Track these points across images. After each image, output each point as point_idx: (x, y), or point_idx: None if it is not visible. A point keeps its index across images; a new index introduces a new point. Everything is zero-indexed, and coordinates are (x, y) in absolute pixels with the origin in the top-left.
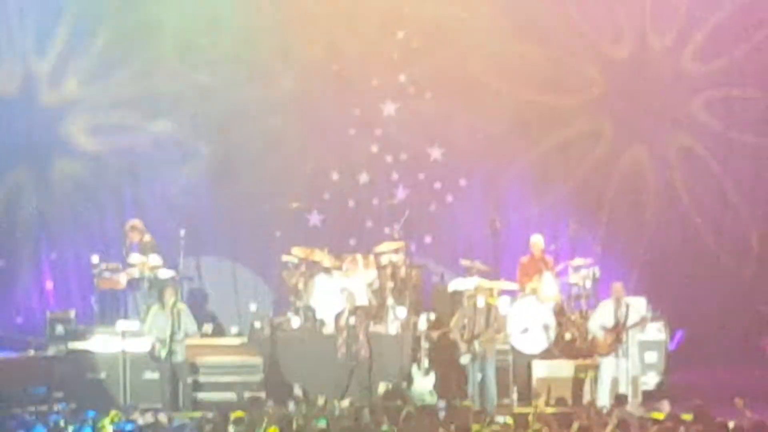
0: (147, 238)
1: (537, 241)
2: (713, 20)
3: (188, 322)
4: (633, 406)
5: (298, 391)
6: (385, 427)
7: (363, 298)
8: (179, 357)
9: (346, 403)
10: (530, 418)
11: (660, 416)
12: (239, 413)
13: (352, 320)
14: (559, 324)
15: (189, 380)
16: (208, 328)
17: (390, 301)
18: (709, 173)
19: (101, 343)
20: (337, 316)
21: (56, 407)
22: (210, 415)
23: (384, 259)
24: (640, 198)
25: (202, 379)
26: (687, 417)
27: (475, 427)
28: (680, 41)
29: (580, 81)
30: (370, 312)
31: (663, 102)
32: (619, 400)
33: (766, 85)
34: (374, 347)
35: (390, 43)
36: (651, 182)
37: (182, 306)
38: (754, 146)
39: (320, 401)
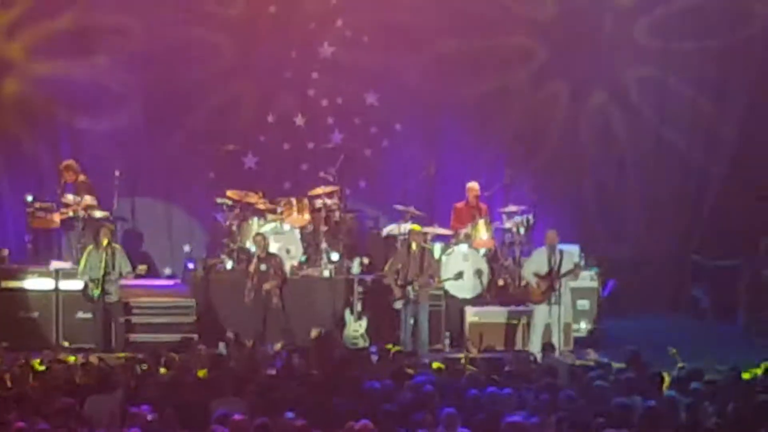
0: (82, 177)
1: (473, 186)
2: None
3: (122, 263)
4: (563, 354)
5: (230, 335)
6: (315, 371)
7: (296, 242)
8: (113, 297)
9: (278, 346)
10: (462, 363)
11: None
12: (171, 355)
13: (263, 267)
14: (493, 270)
15: (121, 320)
16: (142, 268)
17: (324, 245)
18: (645, 122)
19: (34, 282)
20: (248, 262)
21: None
22: (141, 355)
23: (318, 203)
24: (576, 144)
25: (135, 319)
26: (618, 365)
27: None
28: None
29: (518, 25)
30: (279, 260)
31: (600, 47)
32: (547, 348)
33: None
34: (308, 291)
35: None
36: (587, 129)
37: (117, 246)
38: (690, 95)
39: (248, 344)
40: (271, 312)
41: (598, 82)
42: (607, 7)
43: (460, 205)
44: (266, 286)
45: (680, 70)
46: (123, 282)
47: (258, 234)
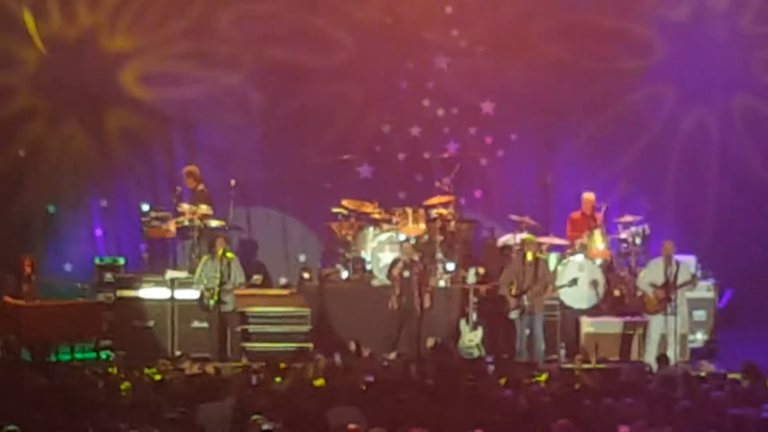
0: (201, 187)
1: (588, 197)
2: None
3: (238, 272)
4: (678, 365)
5: (352, 346)
6: (430, 381)
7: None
8: (228, 306)
9: (393, 355)
10: (576, 373)
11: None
12: (286, 363)
13: (407, 273)
14: (608, 280)
15: (237, 329)
16: (257, 278)
17: (439, 254)
18: (761, 135)
19: (150, 291)
20: (391, 267)
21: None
22: (256, 365)
23: (434, 213)
24: (695, 156)
25: (250, 328)
26: (735, 376)
27: (524, 381)
28: (738, 3)
29: (638, 46)
30: (425, 266)
31: (721, 63)
32: (662, 359)
33: None
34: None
35: None
36: (702, 143)
37: (232, 256)
38: None
39: (366, 353)
40: (409, 321)
41: (716, 98)
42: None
43: (575, 215)
44: (425, 297)
45: None
46: (239, 292)
47: (406, 242)
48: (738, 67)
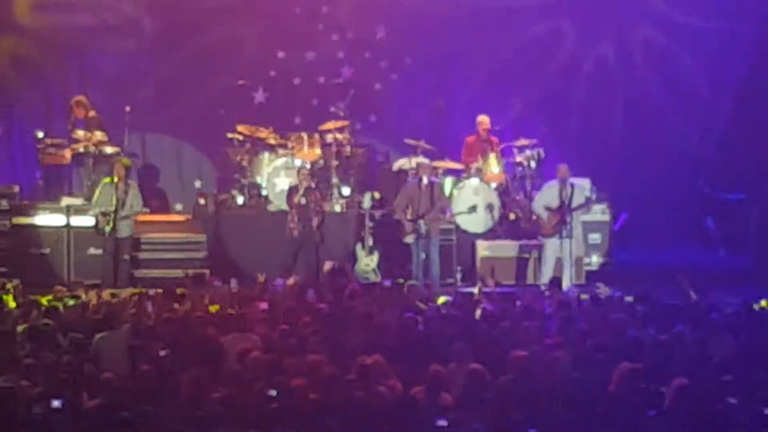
0: (92, 113)
1: (483, 120)
2: None
3: (135, 200)
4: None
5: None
6: (327, 306)
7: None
8: (123, 233)
9: (291, 280)
10: (474, 296)
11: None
12: (182, 290)
13: (303, 200)
14: (504, 204)
15: (126, 257)
16: (153, 204)
17: (335, 179)
18: (654, 57)
19: (45, 218)
20: (290, 194)
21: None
22: (153, 292)
23: (329, 138)
24: (585, 79)
25: (144, 255)
26: (629, 298)
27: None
28: None
29: None
30: (321, 191)
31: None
32: (554, 282)
33: None
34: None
35: None
36: (598, 66)
37: (132, 183)
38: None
39: (261, 278)
40: (306, 246)
41: (613, 28)
42: None
43: (470, 138)
44: (315, 221)
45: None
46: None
47: (302, 167)
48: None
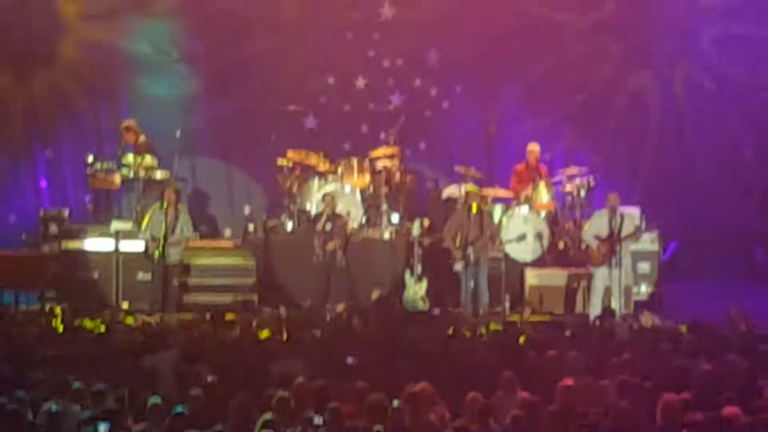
0: (142, 138)
1: (533, 148)
2: None
3: (185, 225)
4: (623, 317)
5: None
6: (375, 333)
7: (355, 203)
8: (173, 258)
9: (340, 307)
10: (519, 325)
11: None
12: (231, 315)
13: (329, 226)
14: (553, 233)
15: (175, 282)
16: (202, 229)
17: (384, 206)
18: (709, 97)
19: (95, 242)
20: (314, 222)
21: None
22: (201, 317)
23: (379, 165)
24: (639, 108)
25: (194, 281)
26: (682, 328)
27: (467, 332)
28: None
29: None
30: (345, 221)
31: (673, 31)
32: (607, 312)
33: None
34: (368, 253)
35: None
36: (649, 97)
37: (182, 207)
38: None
39: (306, 304)
40: (335, 272)
41: (662, 54)
42: None
43: (520, 166)
44: (329, 246)
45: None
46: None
47: (327, 194)
48: (686, 37)
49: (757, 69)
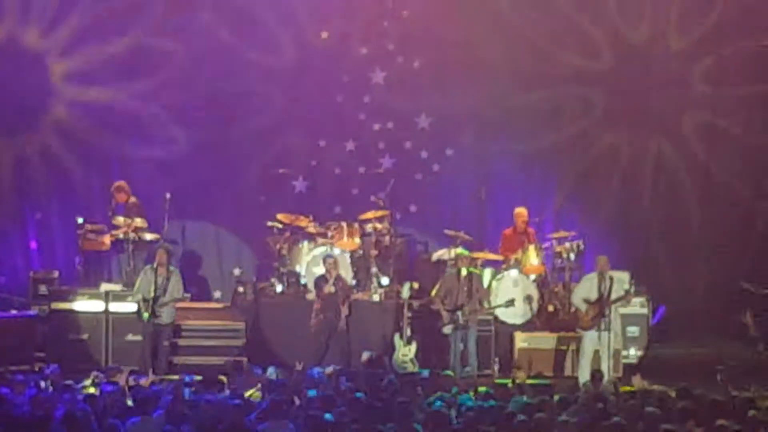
0: (132, 199)
1: (521, 212)
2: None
3: (176, 287)
4: (611, 381)
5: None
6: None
7: (346, 266)
8: (164, 320)
9: (330, 369)
10: (510, 387)
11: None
12: (221, 377)
13: (333, 289)
14: (542, 296)
15: (166, 343)
16: (186, 296)
17: (374, 269)
18: (694, 157)
19: (84, 304)
20: (320, 284)
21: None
22: (187, 378)
23: (368, 227)
24: (628, 175)
25: (183, 342)
26: (671, 392)
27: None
28: (700, 48)
29: (581, 57)
30: (349, 283)
31: (660, 92)
32: (596, 375)
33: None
34: (357, 315)
35: (380, 11)
36: (637, 161)
37: (174, 269)
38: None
39: (298, 367)
40: (335, 335)
41: (648, 121)
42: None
43: (508, 231)
44: (343, 310)
45: (729, 114)
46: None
47: (329, 256)
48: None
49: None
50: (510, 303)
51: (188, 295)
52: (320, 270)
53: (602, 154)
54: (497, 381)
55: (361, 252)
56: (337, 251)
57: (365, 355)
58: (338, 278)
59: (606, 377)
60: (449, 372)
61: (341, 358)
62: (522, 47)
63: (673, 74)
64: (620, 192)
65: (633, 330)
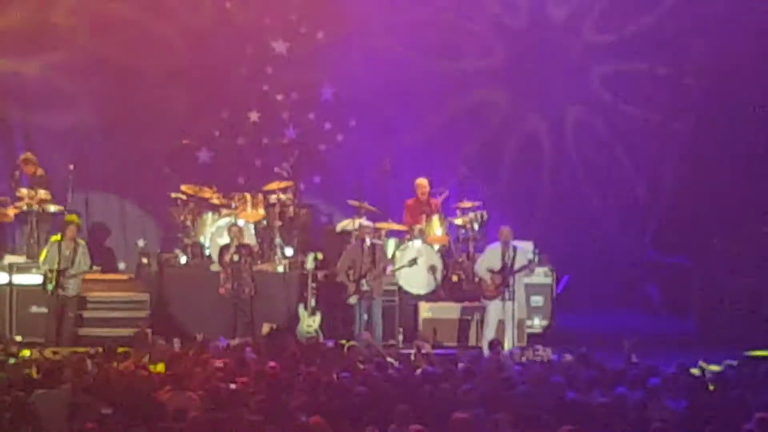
0: (40, 171)
1: (421, 183)
2: None
3: (83, 259)
4: (514, 350)
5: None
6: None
7: (250, 237)
8: (70, 291)
9: (236, 341)
10: (412, 358)
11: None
12: (124, 349)
13: (236, 257)
14: (446, 266)
15: (71, 315)
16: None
17: (278, 240)
18: (597, 133)
19: None
20: (222, 253)
21: None
22: (93, 350)
23: (272, 198)
24: (531, 144)
25: (87, 314)
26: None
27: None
28: (579, 13)
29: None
30: (255, 250)
31: (560, 74)
32: (495, 344)
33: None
34: (261, 286)
35: None
36: (543, 137)
37: (81, 242)
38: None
39: (199, 338)
40: (241, 304)
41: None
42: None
43: (410, 202)
44: (244, 276)
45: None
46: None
47: (234, 225)
48: (574, 79)
49: (648, 106)
50: (413, 262)
51: (97, 268)
52: (224, 241)
53: (505, 130)
54: (402, 351)
55: (265, 223)
56: (241, 222)
57: (266, 327)
58: (242, 246)
59: (508, 346)
60: (354, 342)
61: (245, 328)
62: (425, 17)
63: (574, 42)
64: (522, 163)
65: (537, 299)
